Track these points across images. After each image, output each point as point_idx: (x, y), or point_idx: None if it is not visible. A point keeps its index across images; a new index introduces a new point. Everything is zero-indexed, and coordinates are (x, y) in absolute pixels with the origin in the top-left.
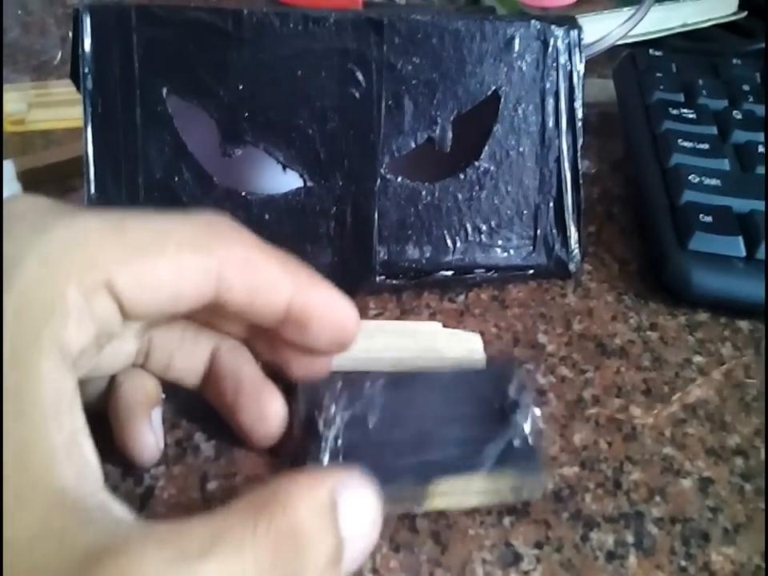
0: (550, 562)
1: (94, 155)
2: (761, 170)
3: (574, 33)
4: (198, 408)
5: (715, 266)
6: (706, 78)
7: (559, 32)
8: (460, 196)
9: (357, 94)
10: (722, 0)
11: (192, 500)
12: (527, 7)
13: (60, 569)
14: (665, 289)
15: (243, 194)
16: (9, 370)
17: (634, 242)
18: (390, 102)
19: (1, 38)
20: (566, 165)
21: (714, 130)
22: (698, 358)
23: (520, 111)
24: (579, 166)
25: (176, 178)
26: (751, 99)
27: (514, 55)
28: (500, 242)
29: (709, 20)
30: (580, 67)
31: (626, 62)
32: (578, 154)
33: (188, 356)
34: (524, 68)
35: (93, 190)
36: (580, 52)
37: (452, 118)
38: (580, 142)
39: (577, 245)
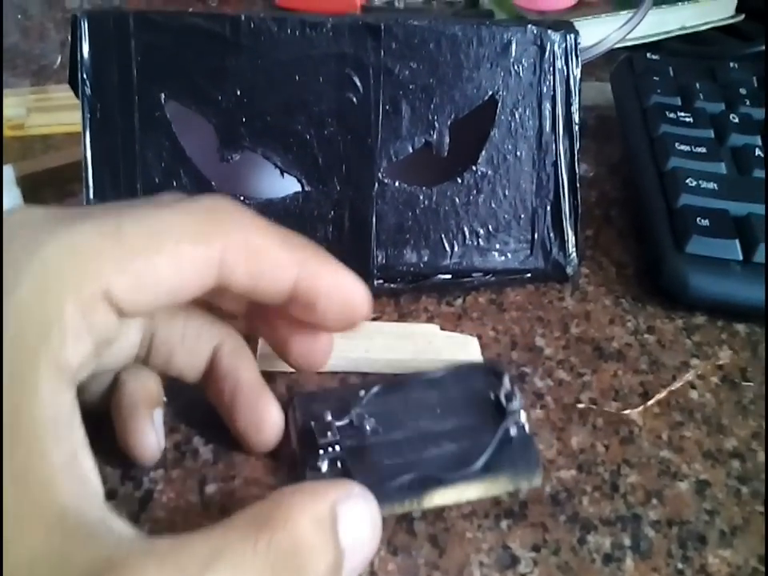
0: (547, 565)
1: (93, 160)
2: (758, 173)
3: (570, 37)
4: (197, 412)
5: (712, 269)
6: (702, 82)
7: (556, 37)
8: (457, 200)
9: (354, 99)
10: (719, 3)
11: (191, 503)
12: (525, 11)
13: None
14: (662, 292)
15: (241, 198)
16: (7, 392)
17: (631, 245)
18: (387, 106)
19: (0, 42)
20: (563, 169)
21: (711, 134)
22: (695, 361)
23: (517, 116)
24: (576, 170)
25: (174, 183)
26: (748, 102)
27: (511, 60)
28: (497, 246)
29: (706, 23)
30: (576, 72)
31: (623, 65)
32: (575, 157)
33: (189, 352)
34: (521, 73)
35: (91, 195)
36: (576, 57)
37: (449, 123)
38: (577, 146)
39: (574, 248)
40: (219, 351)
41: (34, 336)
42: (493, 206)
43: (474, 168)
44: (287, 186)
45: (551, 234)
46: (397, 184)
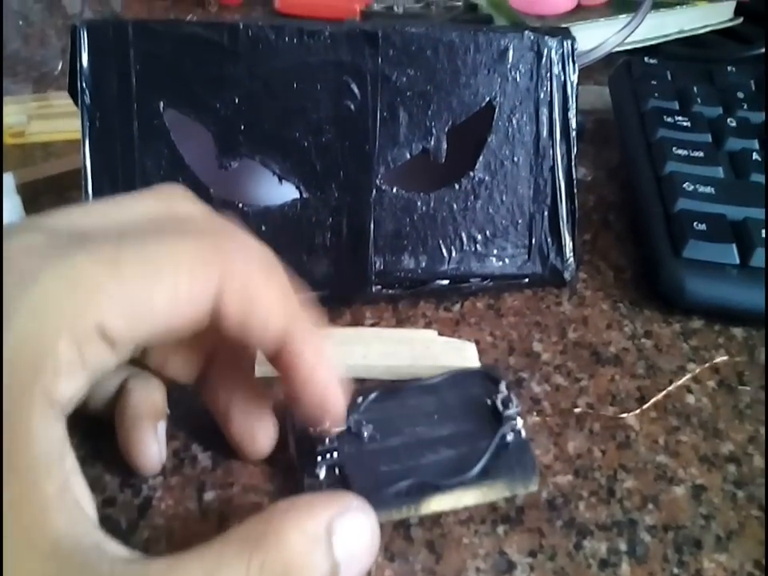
0: (543, 570)
1: (92, 168)
2: (755, 177)
3: (567, 43)
4: (195, 419)
5: (709, 273)
6: (700, 86)
7: (553, 43)
8: (455, 206)
9: (352, 106)
10: (718, 6)
11: (189, 510)
12: (524, 15)
13: None
14: (659, 296)
15: (240, 205)
16: (2, 426)
17: (628, 250)
18: (385, 113)
19: (1, 49)
20: (561, 174)
21: (709, 138)
22: (692, 366)
23: (514, 121)
24: (574, 175)
25: None
26: (746, 106)
27: (508, 66)
28: (495, 251)
29: (705, 26)
30: (573, 77)
31: (621, 69)
32: (573, 163)
33: (183, 359)
34: (518, 79)
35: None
36: (573, 62)
37: (447, 129)
38: (574, 151)
39: (572, 253)
40: (215, 356)
41: (29, 370)
42: (490, 211)
43: (471, 174)
44: (285, 192)
45: (549, 239)
46: (394, 190)
